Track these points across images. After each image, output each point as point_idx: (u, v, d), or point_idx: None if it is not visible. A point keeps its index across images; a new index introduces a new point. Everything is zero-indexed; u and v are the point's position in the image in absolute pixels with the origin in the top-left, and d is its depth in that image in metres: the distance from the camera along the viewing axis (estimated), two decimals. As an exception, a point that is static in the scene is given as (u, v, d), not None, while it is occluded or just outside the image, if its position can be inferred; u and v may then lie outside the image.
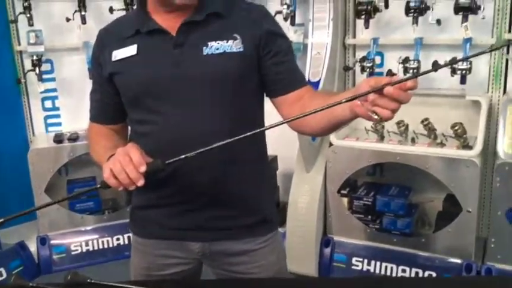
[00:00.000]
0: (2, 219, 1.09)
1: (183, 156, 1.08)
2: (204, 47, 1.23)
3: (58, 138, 3.09)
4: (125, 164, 1.08)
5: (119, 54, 1.28)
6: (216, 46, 1.23)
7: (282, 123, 1.09)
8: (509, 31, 2.48)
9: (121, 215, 3.18)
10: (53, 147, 3.05)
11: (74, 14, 2.98)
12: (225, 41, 1.24)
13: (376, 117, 0.98)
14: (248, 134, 1.07)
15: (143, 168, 1.08)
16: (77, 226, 3.12)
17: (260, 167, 1.39)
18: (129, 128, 1.40)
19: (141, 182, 1.08)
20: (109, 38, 1.34)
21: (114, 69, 1.29)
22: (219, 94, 1.25)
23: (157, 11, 1.29)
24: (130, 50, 1.27)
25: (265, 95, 1.35)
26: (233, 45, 1.24)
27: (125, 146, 1.14)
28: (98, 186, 1.15)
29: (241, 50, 1.24)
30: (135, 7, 1.42)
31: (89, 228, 3.15)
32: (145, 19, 1.29)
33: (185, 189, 1.28)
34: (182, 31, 1.25)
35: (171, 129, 1.24)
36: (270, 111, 1.37)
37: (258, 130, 1.10)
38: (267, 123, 1.36)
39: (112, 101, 1.35)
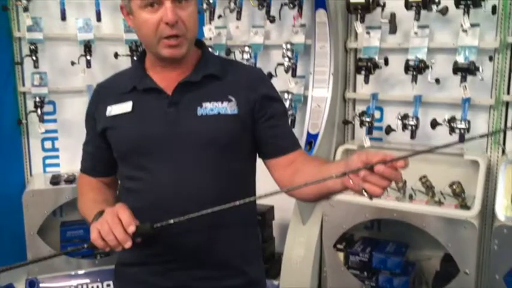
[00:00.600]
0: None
1: (171, 221, 1.08)
2: (199, 107, 1.24)
3: (55, 180, 3.07)
4: (113, 225, 1.08)
5: (113, 109, 1.29)
6: (210, 107, 1.24)
7: (275, 194, 1.09)
8: (508, 93, 2.50)
9: (113, 259, 3.08)
10: (49, 189, 3.02)
11: (79, 58, 3.03)
12: (219, 103, 1.24)
13: (366, 194, 0.98)
14: (238, 202, 1.07)
15: (132, 229, 1.08)
16: (67, 270, 3.04)
17: (248, 229, 1.37)
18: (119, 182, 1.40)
19: (128, 244, 1.08)
20: (105, 93, 1.35)
21: (108, 125, 1.30)
22: (211, 155, 1.24)
23: (154, 68, 1.30)
24: (126, 107, 1.28)
25: (257, 156, 1.35)
26: (228, 107, 1.24)
27: (114, 198, 1.14)
28: (85, 246, 1.14)
29: (236, 112, 1.25)
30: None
31: (80, 272, 3.06)
32: (142, 76, 1.30)
33: (171, 249, 1.26)
34: (178, 91, 1.26)
35: (159, 188, 1.23)
36: (264, 171, 1.36)
37: (249, 199, 1.10)
38: (260, 181, 1.36)
39: (104, 154, 1.35)
